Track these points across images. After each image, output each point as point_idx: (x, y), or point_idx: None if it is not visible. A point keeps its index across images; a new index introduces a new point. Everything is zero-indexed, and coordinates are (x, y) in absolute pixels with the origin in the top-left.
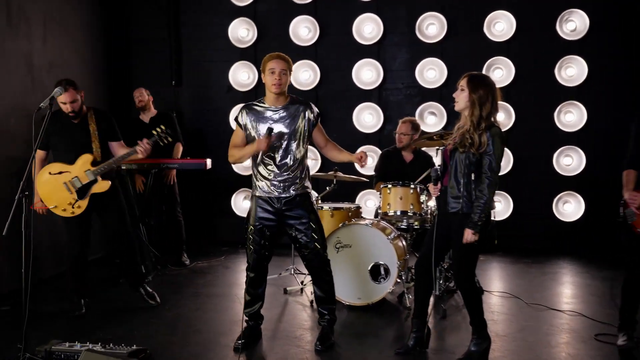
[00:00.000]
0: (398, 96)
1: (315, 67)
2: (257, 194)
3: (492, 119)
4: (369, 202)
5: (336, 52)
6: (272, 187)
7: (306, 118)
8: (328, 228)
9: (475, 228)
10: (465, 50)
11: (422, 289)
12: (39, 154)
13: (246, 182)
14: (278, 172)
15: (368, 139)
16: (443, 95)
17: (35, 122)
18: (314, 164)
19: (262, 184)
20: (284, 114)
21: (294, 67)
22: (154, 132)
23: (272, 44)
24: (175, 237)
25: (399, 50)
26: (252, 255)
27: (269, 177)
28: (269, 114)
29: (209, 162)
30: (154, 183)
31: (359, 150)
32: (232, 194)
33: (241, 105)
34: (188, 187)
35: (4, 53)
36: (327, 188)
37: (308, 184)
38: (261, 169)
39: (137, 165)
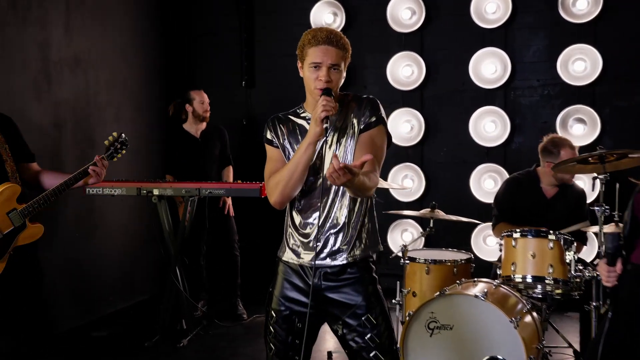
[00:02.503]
0: (531, 97)
1: (420, 61)
2: (285, 257)
3: None
4: (489, 239)
5: (448, 40)
6: (305, 247)
7: (356, 127)
8: (421, 292)
9: None
10: (628, 33)
11: None
12: None
13: None
14: (319, 220)
15: (489, 155)
16: (597, 94)
17: None
18: (407, 193)
19: (292, 239)
20: (333, 126)
21: (392, 60)
22: (106, 143)
23: (365, 31)
24: (229, 281)
25: (534, 35)
26: (272, 359)
27: (304, 229)
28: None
29: None
30: (195, 213)
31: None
32: None
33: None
34: (250, 215)
35: (4, 44)
36: (421, 233)
37: (374, 242)
38: (294, 212)
39: (174, 190)
